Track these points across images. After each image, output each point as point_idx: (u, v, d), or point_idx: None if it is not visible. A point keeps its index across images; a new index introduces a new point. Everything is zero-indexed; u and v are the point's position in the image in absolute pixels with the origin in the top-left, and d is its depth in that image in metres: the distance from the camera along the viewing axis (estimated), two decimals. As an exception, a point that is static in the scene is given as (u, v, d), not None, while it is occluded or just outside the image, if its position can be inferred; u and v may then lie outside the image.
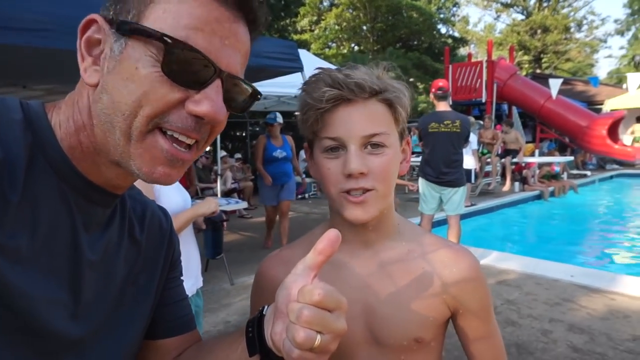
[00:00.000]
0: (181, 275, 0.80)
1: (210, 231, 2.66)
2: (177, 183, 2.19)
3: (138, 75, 0.51)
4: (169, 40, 0.50)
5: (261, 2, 0.57)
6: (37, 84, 4.37)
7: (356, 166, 0.72)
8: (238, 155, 10.63)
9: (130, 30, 0.51)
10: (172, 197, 1.94)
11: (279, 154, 5.51)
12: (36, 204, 0.51)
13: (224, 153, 9.21)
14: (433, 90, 4.60)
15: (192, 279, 1.99)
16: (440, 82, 4.69)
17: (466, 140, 4.82)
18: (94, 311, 0.60)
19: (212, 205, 2.16)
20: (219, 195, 7.23)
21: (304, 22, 20.46)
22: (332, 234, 0.54)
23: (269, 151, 5.49)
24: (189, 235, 2.09)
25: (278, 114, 5.52)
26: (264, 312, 0.59)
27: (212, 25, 0.52)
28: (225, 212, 3.73)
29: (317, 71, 0.77)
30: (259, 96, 0.62)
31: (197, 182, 7.98)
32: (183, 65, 0.51)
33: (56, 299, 0.54)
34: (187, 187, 6.09)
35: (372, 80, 0.74)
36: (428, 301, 0.80)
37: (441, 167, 4.60)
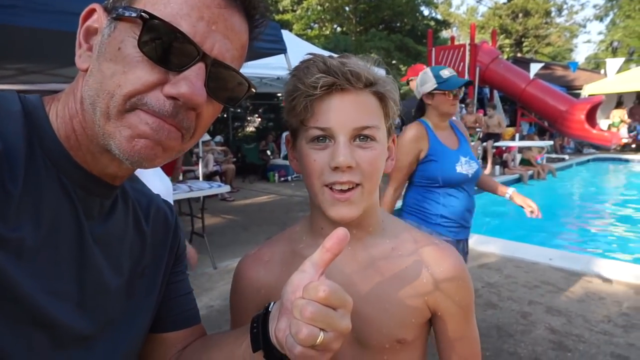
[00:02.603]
0: (186, 269, 0.81)
1: None
2: (158, 168, 2.12)
3: (120, 56, 0.51)
4: (146, 16, 0.49)
5: None
6: (10, 63, 4.19)
7: (344, 159, 0.68)
8: (218, 139, 10.47)
9: (118, 13, 0.52)
10: (152, 183, 1.89)
11: (466, 166, 2.29)
12: (38, 196, 0.51)
13: (207, 137, 9.06)
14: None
15: None
16: (422, 67, 4.67)
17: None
18: (101, 303, 0.59)
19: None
20: (200, 178, 7.14)
21: (285, 2, 20.07)
22: (340, 232, 0.54)
23: (442, 163, 2.25)
24: None
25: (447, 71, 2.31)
26: (269, 309, 0.59)
27: (200, 10, 0.52)
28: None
29: (308, 56, 0.73)
30: (252, 90, 0.60)
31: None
32: (163, 44, 0.50)
33: (62, 290, 0.54)
34: (170, 173, 5.99)
35: (367, 70, 0.71)
36: (410, 302, 0.78)
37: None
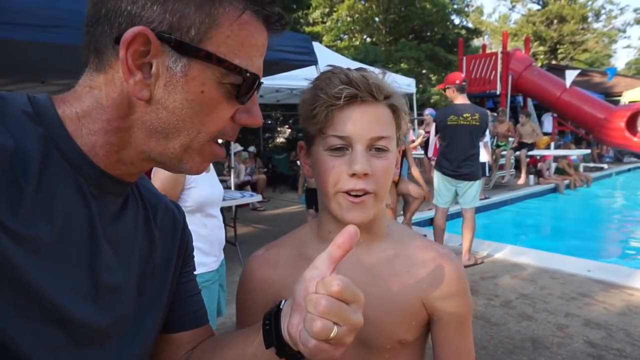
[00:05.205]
0: (194, 270, 0.82)
1: None
2: (215, 175, 2.22)
3: (204, 98, 0.54)
4: (249, 75, 0.55)
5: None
6: (55, 79, 4.41)
7: (362, 166, 0.72)
8: (251, 149, 10.65)
9: (202, 56, 0.53)
10: (206, 188, 2.08)
11: None
12: (52, 194, 0.52)
13: (239, 147, 9.23)
14: (457, 82, 4.53)
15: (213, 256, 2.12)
16: (458, 76, 4.64)
17: (483, 133, 4.78)
18: (113, 301, 0.60)
19: None
20: (232, 188, 7.27)
21: (315, 14, 20.30)
22: (351, 229, 0.55)
23: None
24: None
25: None
26: (281, 306, 0.60)
27: (262, 50, 0.59)
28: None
29: (329, 68, 0.78)
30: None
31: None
32: (245, 87, 0.57)
33: (76, 287, 0.54)
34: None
35: (386, 83, 0.76)
36: (410, 305, 0.81)
37: (459, 160, 4.56)
